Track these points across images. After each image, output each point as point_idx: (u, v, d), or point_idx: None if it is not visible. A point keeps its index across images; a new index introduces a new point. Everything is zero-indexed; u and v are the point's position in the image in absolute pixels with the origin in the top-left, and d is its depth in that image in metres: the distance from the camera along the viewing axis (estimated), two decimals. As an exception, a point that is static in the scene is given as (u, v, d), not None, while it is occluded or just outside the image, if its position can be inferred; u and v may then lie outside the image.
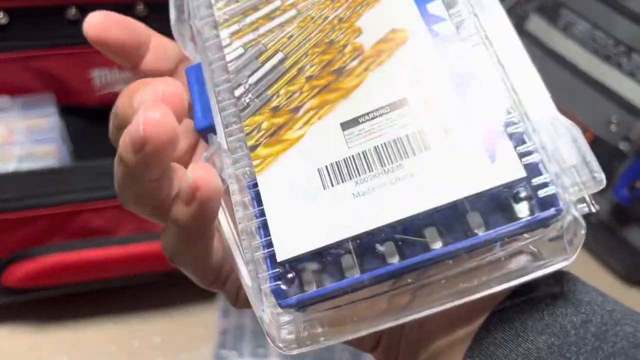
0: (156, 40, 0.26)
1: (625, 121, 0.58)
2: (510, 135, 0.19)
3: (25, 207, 0.51)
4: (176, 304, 0.61)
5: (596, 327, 0.19)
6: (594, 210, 0.18)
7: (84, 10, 0.48)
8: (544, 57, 0.64)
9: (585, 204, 0.18)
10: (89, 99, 0.54)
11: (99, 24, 0.24)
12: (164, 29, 0.52)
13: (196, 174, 0.19)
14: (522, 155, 0.18)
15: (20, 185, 0.49)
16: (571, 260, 0.18)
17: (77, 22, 0.48)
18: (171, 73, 0.26)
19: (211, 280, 0.24)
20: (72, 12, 0.48)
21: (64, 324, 0.60)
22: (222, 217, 0.22)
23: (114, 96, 0.59)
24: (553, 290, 0.20)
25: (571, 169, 0.18)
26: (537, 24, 0.65)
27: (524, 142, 0.18)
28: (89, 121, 0.54)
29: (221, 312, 0.60)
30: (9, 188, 0.49)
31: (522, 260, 0.19)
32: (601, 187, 0.18)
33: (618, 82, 0.59)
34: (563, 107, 0.63)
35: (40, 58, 0.49)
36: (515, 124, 0.19)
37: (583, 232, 0.18)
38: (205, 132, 0.23)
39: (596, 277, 0.66)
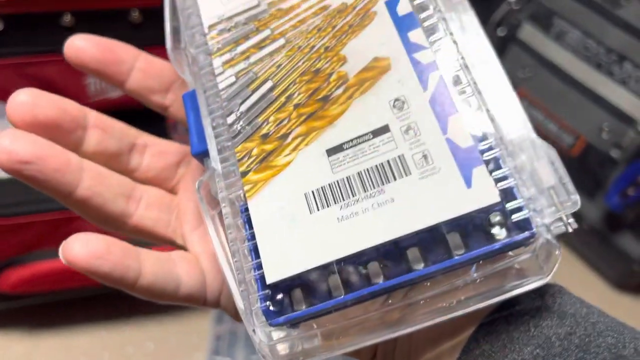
0: (144, 59, 0.26)
1: (616, 129, 0.59)
2: (487, 161, 0.19)
3: (18, 214, 0.51)
4: (169, 310, 0.61)
5: (580, 338, 0.20)
6: (570, 230, 0.19)
7: (79, 17, 0.48)
8: (537, 65, 0.64)
9: (562, 224, 0.19)
10: (84, 105, 0.54)
11: (77, 46, 0.25)
12: (159, 36, 0.52)
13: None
14: (497, 180, 0.19)
15: (13, 191, 0.49)
16: (547, 279, 0.19)
17: (72, 29, 0.48)
18: (163, 92, 0.27)
19: (203, 301, 0.25)
20: (67, 18, 0.48)
21: (56, 331, 0.60)
22: (215, 238, 0.22)
23: (109, 103, 0.59)
24: (535, 303, 0.20)
25: (549, 190, 0.19)
26: (530, 32, 0.65)
27: (499, 168, 0.19)
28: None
29: (214, 318, 0.60)
30: (2, 194, 0.49)
31: (498, 280, 0.19)
32: (576, 208, 0.19)
33: (610, 90, 0.59)
34: (556, 114, 0.63)
35: (35, 64, 0.49)
36: (491, 149, 0.19)
37: (558, 252, 0.19)
38: (201, 156, 0.24)
39: (588, 283, 0.67)
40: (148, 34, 0.50)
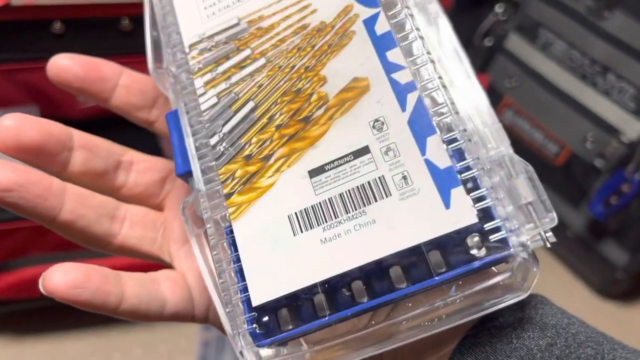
0: (128, 75, 0.26)
1: (600, 138, 0.60)
2: (465, 181, 0.20)
3: (4, 220, 0.51)
4: (158, 316, 0.61)
5: (560, 350, 0.20)
6: (548, 245, 0.19)
7: (69, 25, 0.48)
8: (523, 75, 0.65)
9: (540, 239, 0.19)
10: (74, 112, 0.54)
11: (60, 65, 0.25)
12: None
13: None
14: (475, 200, 0.19)
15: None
16: (525, 295, 0.19)
17: (62, 37, 0.48)
18: (148, 108, 0.27)
19: (191, 318, 0.25)
20: (57, 26, 0.48)
21: (44, 336, 0.59)
22: (201, 260, 0.23)
23: (99, 110, 0.59)
24: (517, 315, 0.21)
25: (527, 207, 0.19)
26: (516, 43, 0.66)
27: (477, 187, 0.19)
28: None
29: (202, 325, 0.60)
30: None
31: (477, 297, 0.19)
32: (554, 224, 0.19)
33: (594, 100, 0.60)
34: (541, 124, 0.64)
35: (25, 71, 0.49)
36: (469, 169, 0.20)
37: (536, 269, 0.19)
38: (186, 176, 0.24)
39: (573, 290, 0.68)
40: (138, 42, 0.51)
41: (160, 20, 0.27)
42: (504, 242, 0.19)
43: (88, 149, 0.25)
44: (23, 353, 0.59)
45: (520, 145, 0.67)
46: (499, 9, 0.66)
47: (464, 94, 0.21)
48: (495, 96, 0.68)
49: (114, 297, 0.23)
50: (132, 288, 0.23)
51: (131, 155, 0.27)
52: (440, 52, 0.22)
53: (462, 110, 0.21)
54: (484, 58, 0.68)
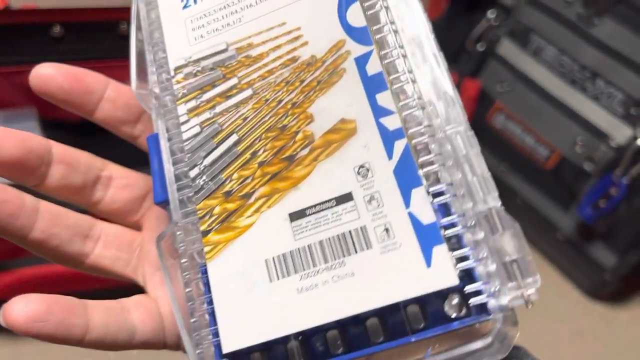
0: (114, 88, 0.25)
1: (589, 143, 0.61)
2: (448, 238, 0.19)
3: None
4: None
5: None
6: (530, 306, 0.19)
7: (68, 28, 0.49)
8: (515, 79, 0.66)
9: (522, 300, 0.19)
10: (71, 114, 0.54)
11: (43, 75, 0.24)
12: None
13: None
14: (458, 260, 0.19)
15: None
16: (504, 355, 0.19)
17: (61, 40, 0.49)
18: (132, 122, 0.26)
19: (162, 345, 0.25)
20: (57, 29, 0.48)
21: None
22: (173, 296, 0.22)
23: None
24: None
25: (511, 264, 0.19)
26: (508, 48, 0.67)
27: (461, 246, 0.19)
28: (70, 136, 0.54)
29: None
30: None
31: (455, 355, 0.19)
32: (537, 286, 0.18)
33: (583, 105, 0.61)
34: (532, 128, 0.65)
35: (25, 74, 0.49)
36: (454, 226, 0.19)
37: (515, 331, 0.19)
38: (164, 204, 0.23)
39: (563, 291, 0.68)
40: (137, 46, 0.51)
41: (146, 36, 0.25)
42: (484, 305, 0.18)
43: (67, 163, 0.24)
44: (20, 352, 0.59)
45: (511, 149, 0.68)
46: (491, 14, 0.67)
47: (456, 141, 0.20)
48: (487, 100, 0.69)
49: (78, 329, 0.22)
50: (98, 317, 0.22)
51: (111, 170, 0.26)
52: (432, 95, 0.21)
53: (451, 161, 0.20)
54: (476, 63, 0.69)
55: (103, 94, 0.25)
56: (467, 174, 0.20)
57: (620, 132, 0.58)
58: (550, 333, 0.65)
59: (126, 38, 0.52)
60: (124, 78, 0.57)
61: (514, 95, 0.66)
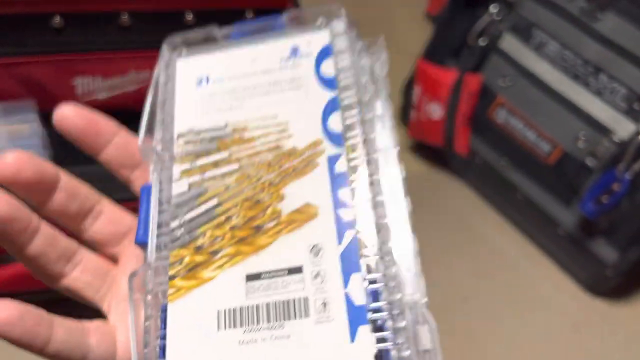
0: (123, 136, 0.29)
1: (592, 138, 0.60)
2: (373, 321, 0.22)
3: None
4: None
5: None
6: None
7: (69, 19, 0.48)
8: (517, 74, 0.66)
9: None
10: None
11: (64, 116, 0.28)
12: (147, 40, 0.52)
13: None
14: (377, 341, 0.21)
15: (-1, 190, 0.49)
16: None
17: (62, 30, 0.48)
18: (132, 168, 0.29)
19: None
20: (57, 20, 0.48)
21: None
22: (132, 328, 0.24)
23: (96, 104, 0.59)
24: None
25: (424, 353, 0.22)
26: (510, 43, 0.67)
27: (382, 330, 0.22)
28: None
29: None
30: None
31: None
32: None
33: (586, 100, 0.61)
34: (534, 123, 0.65)
35: (24, 65, 0.49)
36: (380, 311, 0.22)
37: None
38: (142, 246, 0.26)
39: (562, 287, 0.68)
40: (137, 37, 0.51)
41: (160, 102, 0.29)
42: None
43: (70, 192, 0.27)
44: (18, 348, 0.58)
45: (513, 144, 0.67)
46: (493, 9, 0.67)
47: (397, 239, 0.23)
48: (488, 95, 0.68)
49: (40, 340, 0.24)
50: (60, 334, 0.25)
51: (103, 205, 0.29)
52: (385, 197, 0.24)
53: (390, 255, 0.23)
54: (478, 57, 0.69)
55: (111, 139, 0.29)
56: (401, 270, 0.23)
57: (623, 127, 0.58)
58: (549, 327, 0.65)
59: (128, 29, 0.52)
60: (124, 69, 0.56)
61: (515, 90, 0.66)
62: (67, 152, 0.54)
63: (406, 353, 0.21)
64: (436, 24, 0.73)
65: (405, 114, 0.79)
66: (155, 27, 0.51)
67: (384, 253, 0.23)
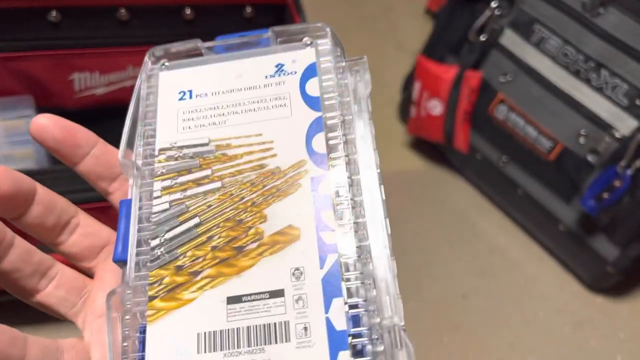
0: (101, 147, 0.28)
1: (593, 134, 0.60)
2: (353, 346, 0.22)
3: None
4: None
5: None
6: None
7: (65, 13, 0.48)
8: (517, 70, 0.66)
9: None
10: (69, 101, 0.53)
11: (41, 125, 0.27)
12: (145, 34, 0.52)
13: None
14: None
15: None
16: None
17: (59, 25, 0.48)
18: (110, 180, 0.29)
19: None
20: (54, 15, 0.47)
21: (42, 326, 0.59)
22: (111, 345, 0.24)
23: (94, 99, 0.59)
24: None
25: None
26: (511, 38, 0.66)
27: (361, 355, 0.22)
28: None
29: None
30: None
31: None
32: None
33: (587, 96, 0.61)
34: (535, 120, 0.65)
35: (21, 60, 0.48)
36: (360, 336, 0.22)
37: None
38: (121, 264, 0.26)
39: (563, 283, 0.68)
40: (134, 32, 0.50)
41: (142, 113, 0.29)
42: None
43: (46, 206, 0.27)
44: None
45: (513, 141, 0.67)
46: (494, 4, 0.67)
47: (378, 263, 0.24)
48: (489, 92, 0.68)
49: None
50: (34, 353, 0.24)
51: (80, 217, 0.28)
52: (367, 218, 0.24)
53: (371, 278, 0.23)
54: (478, 53, 0.68)
55: (89, 151, 0.28)
56: (382, 292, 0.23)
57: (624, 124, 0.58)
58: (550, 325, 0.65)
59: (125, 24, 0.52)
60: (122, 65, 0.56)
61: (516, 87, 0.66)
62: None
63: None
64: (436, 19, 0.73)
65: (405, 110, 0.79)
66: (154, 22, 0.51)
67: (365, 276, 0.23)
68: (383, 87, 0.86)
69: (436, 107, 0.72)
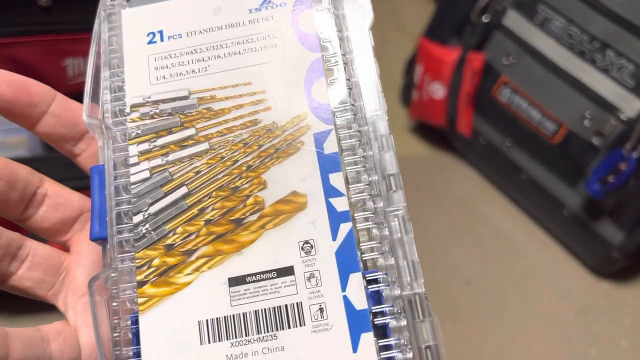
0: (59, 103, 0.25)
1: (598, 116, 0.59)
2: (376, 327, 0.20)
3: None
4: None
5: None
6: None
7: (57, -2, 0.47)
8: (521, 52, 0.64)
9: None
10: (62, 87, 0.52)
11: None
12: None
13: None
14: (382, 349, 0.19)
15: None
16: None
17: (49, 10, 0.47)
18: (74, 140, 0.25)
19: None
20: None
21: (38, 316, 0.59)
22: (98, 338, 0.22)
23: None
24: None
25: (426, 350, 0.20)
26: (514, 19, 0.65)
27: (386, 336, 0.20)
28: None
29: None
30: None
31: None
32: None
33: (592, 78, 0.59)
34: (539, 102, 0.63)
35: (12, 45, 0.48)
36: (384, 314, 0.20)
37: None
38: (100, 242, 0.23)
39: (568, 269, 0.68)
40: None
41: (104, 61, 0.25)
42: None
43: (6, 180, 0.24)
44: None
45: (517, 124, 0.66)
46: (497, -16, 0.65)
47: (392, 225, 0.21)
48: (492, 74, 0.67)
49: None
50: (18, 348, 0.22)
51: (47, 187, 0.25)
52: (379, 176, 0.22)
53: (388, 247, 0.21)
54: (481, 35, 0.67)
55: (47, 108, 0.24)
56: (399, 258, 0.21)
57: (630, 105, 0.57)
58: (555, 310, 0.64)
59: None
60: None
61: (520, 68, 0.65)
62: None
63: (409, 355, 0.20)
64: (438, 1, 0.72)
65: (407, 94, 0.78)
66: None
67: (382, 246, 0.21)
68: (384, 70, 0.85)
69: (438, 91, 0.71)
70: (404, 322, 0.20)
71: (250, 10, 0.24)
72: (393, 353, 0.20)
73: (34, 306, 0.59)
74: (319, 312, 0.20)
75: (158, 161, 0.23)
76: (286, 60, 0.23)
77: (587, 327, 0.63)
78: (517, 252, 0.69)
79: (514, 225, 0.71)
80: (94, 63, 0.25)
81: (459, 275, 0.67)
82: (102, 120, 0.24)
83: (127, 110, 0.24)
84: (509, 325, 0.63)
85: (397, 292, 0.20)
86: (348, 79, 0.23)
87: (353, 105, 0.23)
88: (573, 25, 0.60)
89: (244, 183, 0.22)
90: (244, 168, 0.22)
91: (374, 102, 0.23)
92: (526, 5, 0.63)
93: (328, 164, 0.22)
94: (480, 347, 0.61)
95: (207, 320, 0.20)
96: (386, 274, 0.21)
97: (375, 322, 0.20)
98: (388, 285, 0.20)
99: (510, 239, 0.70)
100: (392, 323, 0.20)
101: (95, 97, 0.24)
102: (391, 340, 0.20)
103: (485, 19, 0.67)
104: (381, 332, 0.20)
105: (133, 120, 0.24)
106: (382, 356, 0.19)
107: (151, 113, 0.24)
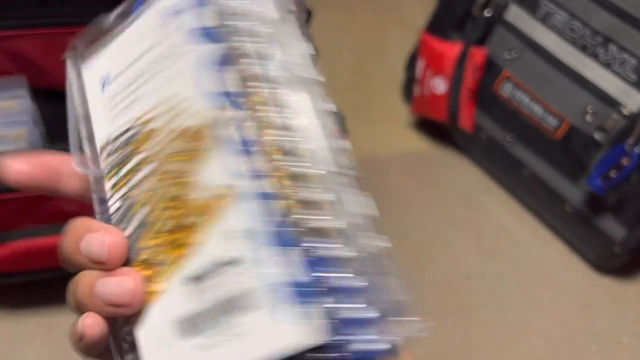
0: (68, 162, 0.27)
1: (600, 111, 0.59)
2: (327, 292, 0.20)
3: (-4, 191, 0.50)
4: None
5: None
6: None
7: (56, -9, 0.47)
8: (523, 46, 0.64)
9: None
10: (62, 81, 0.52)
11: (22, 171, 0.25)
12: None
13: (85, 323, 0.23)
14: (337, 311, 0.20)
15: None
16: None
17: (49, 3, 0.47)
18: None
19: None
20: (44, -8, 0.47)
21: (37, 310, 0.59)
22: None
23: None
24: None
25: (392, 305, 0.20)
26: (516, 14, 0.65)
27: (343, 299, 0.20)
28: (61, 104, 0.53)
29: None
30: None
31: None
32: (416, 328, 0.20)
33: (594, 72, 0.59)
34: (540, 97, 0.63)
35: (12, 39, 0.48)
36: (332, 279, 0.20)
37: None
38: None
39: (569, 264, 0.67)
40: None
41: (81, 116, 0.27)
42: (367, 352, 0.20)
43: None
44: (18, 327, 0.58)
45: (519, 119, 0.66)
46: (499, -22, 0.65)
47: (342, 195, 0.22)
48: (494, 69, 0.67)
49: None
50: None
51: None
52: (299, 144, 0.22)
53: (331, 208, 0.21)
54: (483, 29, 0.67)
55: (67, 171, 0.26)
56: (350, 218, 0.21)
57: (633, 100, 0.57)
58: (557, 306, 0.64)
59: (118, 1, 0.50)
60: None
61: (522, 63, 0.65)
62: (58, 128, 0.53)
63: (373, 314, 0.20)
64: (440, -5, 0.72)
65: (408, 89, 0.77)
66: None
67: (315, 207, 0.21)
68: (386, 66, 0.85)
69: (440, 85, 0.70)
70: (364, 283, 0.21)
71: (162, 17, 0.26)
72: (352, 314, 0.20)
73: (37, 299, 0.59)
74: (271, 292, 0.21)
75: (124, 190, 0.25)
76: (193, 62, 0.24)
77: (589, 323, 0.63)
78: (518, 247, 0.69)
79: (515, 221, 0.71)
80: (73, 118, 0.27)
81: (460, 270, 0.67)
82: (88, 167, 0.26)
83: (99, 152, 0.26)
84: (509, 320, 0.63)
85: (349, 253, 0.21)
86: (260, 65, 0.24)
87: (271, 90, 0.23)
88: (575, 20, 0.60)
89: (181, 190, 0.24)
90: (183, 176, 0.24)
91: (295, 80, 0.23)
92: (528, 0, 0.63)
93: (247, 150, 0.23)
94: (481, 342, 0.61)
95: (183, 320, 0.22)
96: (328, 237, 0.21)
97: (327, 285, 0.20)
98: (332, 247, 0.21)
99: (512, 234, 0.70)
100: (347, 282, 0.21)
101: (81, 147, 0.27)
102: (345, 306, 0.20)
103: (487, 13, 0.66)
104: (335, 295, 0.20)
105: (104, 160, 0.26)
106: (339, 317, 0.20)
107: (112, 150, 0.26)
